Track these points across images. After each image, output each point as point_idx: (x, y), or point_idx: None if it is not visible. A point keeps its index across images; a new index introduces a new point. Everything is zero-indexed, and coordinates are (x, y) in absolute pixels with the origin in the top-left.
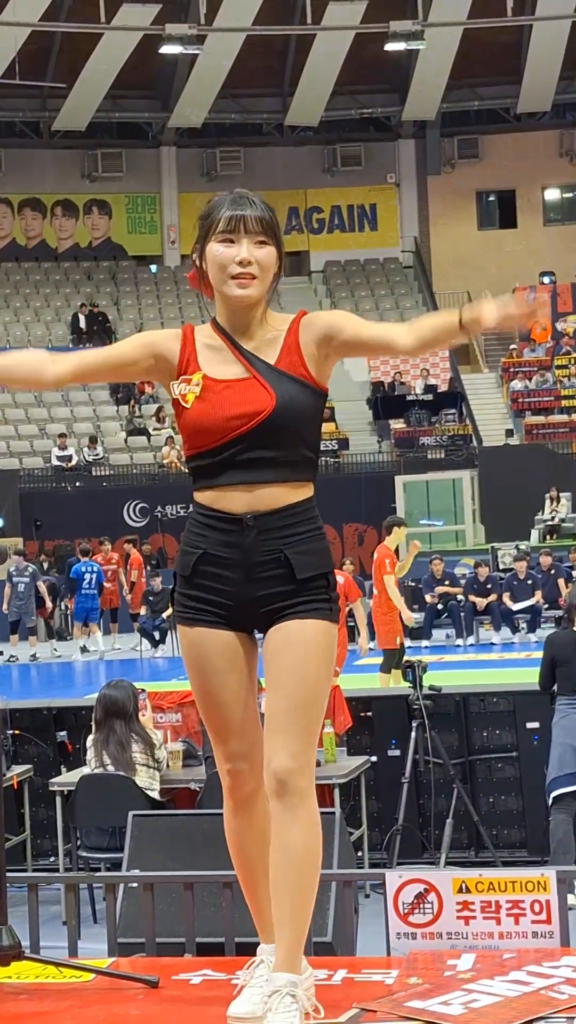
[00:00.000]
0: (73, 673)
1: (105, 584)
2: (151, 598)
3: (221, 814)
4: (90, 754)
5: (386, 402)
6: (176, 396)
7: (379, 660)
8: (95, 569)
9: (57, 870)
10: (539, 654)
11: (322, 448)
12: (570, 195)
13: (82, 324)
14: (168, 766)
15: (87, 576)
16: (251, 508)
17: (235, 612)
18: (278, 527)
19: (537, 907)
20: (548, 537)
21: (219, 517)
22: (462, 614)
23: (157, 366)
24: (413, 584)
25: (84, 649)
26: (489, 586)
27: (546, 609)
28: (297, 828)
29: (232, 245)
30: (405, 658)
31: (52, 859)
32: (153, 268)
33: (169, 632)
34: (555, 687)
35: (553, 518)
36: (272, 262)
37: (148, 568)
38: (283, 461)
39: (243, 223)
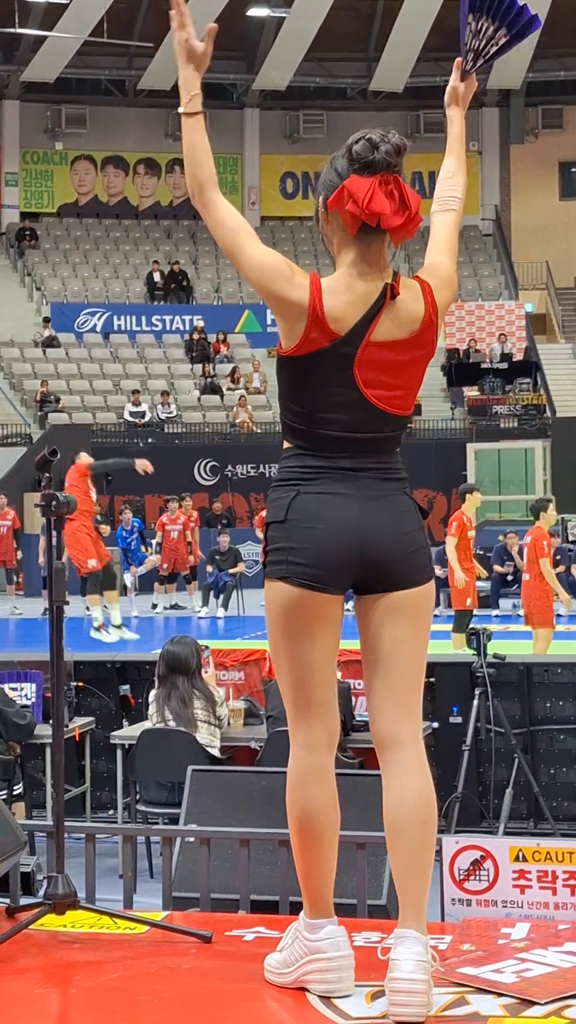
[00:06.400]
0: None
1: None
2: (217, 556)
3: (280, 771)
4: (152, 709)
5: (460, 369)
6: None
7: (448, 627)
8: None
9: (116, 823)
10: None
11: None
12: None
13: (159, 282)
14: (229, 724)
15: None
16: None
17: None
18: None
19: None
20: None
21: None
22: None
23: None
24: (481, 552)
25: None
26: (558, 557)
27: None
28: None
29: None
30: (470, 626)
31: (111, 812)
32: None
33: (235, 594)
34: None
35: None
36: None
37: (218, 527)
38: None
39: None
